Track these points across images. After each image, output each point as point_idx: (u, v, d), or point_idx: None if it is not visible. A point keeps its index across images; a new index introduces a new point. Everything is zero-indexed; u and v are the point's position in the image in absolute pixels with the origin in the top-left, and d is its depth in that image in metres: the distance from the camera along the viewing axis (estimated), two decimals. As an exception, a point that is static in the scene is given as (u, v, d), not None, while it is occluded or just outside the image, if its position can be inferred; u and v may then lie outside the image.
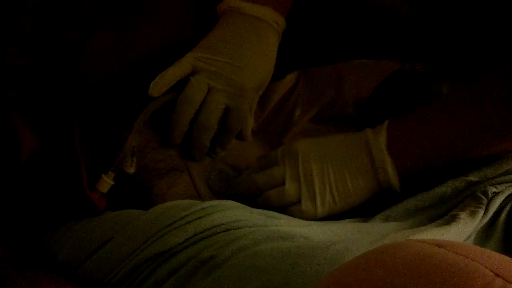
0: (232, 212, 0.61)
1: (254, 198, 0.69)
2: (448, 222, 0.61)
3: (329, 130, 0.77)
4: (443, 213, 0.64)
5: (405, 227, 0.62)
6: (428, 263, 0.35)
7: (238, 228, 0.58)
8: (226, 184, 0.73)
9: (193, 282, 0.55)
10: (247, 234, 0.57)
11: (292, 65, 0.82)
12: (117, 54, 0.73)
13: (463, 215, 0.61)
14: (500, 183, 0.66)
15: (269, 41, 0.72)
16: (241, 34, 0.71)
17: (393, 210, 0.66)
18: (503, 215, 0.65)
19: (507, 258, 0.37)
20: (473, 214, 0.62)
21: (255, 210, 0.63)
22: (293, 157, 0.68)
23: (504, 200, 0.65)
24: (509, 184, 0.66)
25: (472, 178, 0.66)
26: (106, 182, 0.67)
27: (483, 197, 0.64)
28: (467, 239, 0.62)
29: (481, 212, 0.62)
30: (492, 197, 0.64)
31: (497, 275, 0.34)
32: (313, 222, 0.64)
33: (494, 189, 0.65)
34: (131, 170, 0.68)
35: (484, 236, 0.65)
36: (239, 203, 0.64)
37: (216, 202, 0.62)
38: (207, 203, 0.61)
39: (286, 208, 0.67)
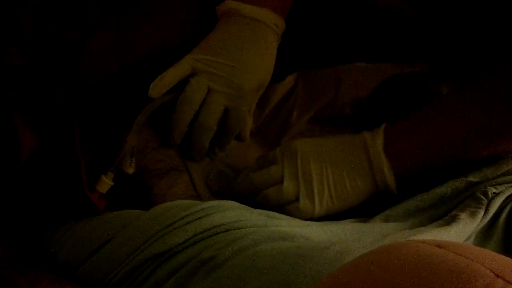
0: (232, 212, 0.61)
1: (253, 198, 0.69)
2: (448, 223, 0.61)
3: (326, 131, 0.78)
4: (443, 214, 0.64)
5: (405, 228, 0.62)
6: (428, 263, 0.35)
7: (238, 229, 0.58)
8: (225, 184, 0.73)
9: (193, 282, 0.55)
10: (247, 234, 0.57)
11: (292, 66, 0.82)
12: (117, 54, 0.73)
13: (463, 215, 0.61)
14: (500, 184, 0.66)
15: (269, 42, 0.72)
16: (240, 36, 0.71)
17: (393, 211, 0.66)
18: (503, 216, 0.65)
19: (508, 258, 0.37)
20: (473, 214, 0.62)
21: (255, 210, 0.64)
22: (292, 156, 0.68)
23: (504, 201, 0.65)
24: (509, 184, 0.66)
25: (472, 178, 0.66)
26: (106, 183, 0.67)
27: (483, 198, 0.64)
28: (467, 239, 0.62)
29: (481, 212, 0.62)
30: (492, 198, 0.64)
31: (498, 276, 0.34)
32: (313, 222, 0.64)
33: (494, 190, 0.65)
34: (131, 171, 0.68)
35: (484, 236, 0.65)
36: (239, 204, 0.64)
37: (216, 202, 0.62)
38: (207, 204, 0.61)
39: (284, 206, 0.67)
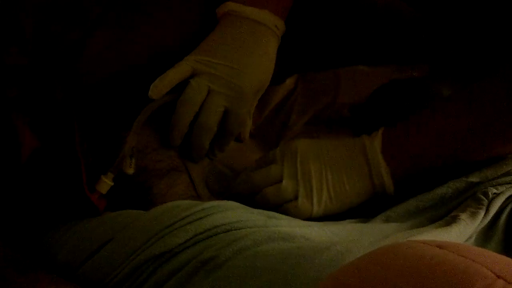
0: (232, 212, 0.61)
1: (252, 199, 0.69)
2: (448, 223, 0.61)
3: (324, 132, 0.78)
4: (443, 214, 0.64)
5: (405, 228, 0.63)
6: (429, 264, 0.35)
7: (239, 229, 0.58)
8: (224, 185, 0.73)
9: (193, 282, 0.55)
10: (247, 234, 0.57)
11: (292, 68, 0.82)
12: (117, 54, 0.73)
13: (463, 216, 0.61)
14: (500, 184, 0.66)
15: (269, 44, 0.72)
16: (240, 38, 0.71)
17: (394, 211, 0.66)
18: (504, 216, 0.65)
19: (508, 259, 0.37)
20: (473, 215, 0.62)
21: (255, 210, 0.64)
22: (291, 155, 0.68)
23: (504, 201, 0.65)
24: (509, 185, 0.66)
25: (472, 179, 0.67)
26: (105, 183, 0.67)
27: (484, 198, 0.64)
28: (467, 240, 0.62)
29: (482, 213, 0.62)
30: (493, 198, 0.64)
31: (498, 277, 0.34)
32: (313, 222, 0.64)
33: (494, 190, 0.65)
34: (130, 171, 0.68)
35: (484, 237, 0.65)
36: (239, 204, 0.64)
37: (216, 202, 0.62)
38: (208, 204, 0.61)
39: (282, 205, 0.67)
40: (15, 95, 0.71)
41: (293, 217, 0.66)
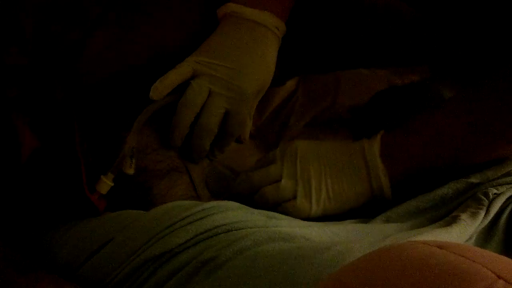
0: (233, 213, 0.61)
1: (252, 199, 0.69)
2: (449, 223, 0.61)
3: (323, 134, 0.78)
4: (444, 215, 0.64)
5: (406, 228, 0.63)
6: (429, 264, 0.35)
7: (239, 229, 0.58)
8: (224, 185, 0.73)
9: (194, 283, 0.55)
10: (248, 235, 0.57)
11: (292, 69, 0.82)
12: (117, 54, 0.73)
13: (464, 216, 0.61)
14: (501, 185, 0.66)
15: (269, 46, 0.72)
16: (241, 39, 0.71)
17: (394, 212, 0.66)
18: (504, 217, 0.65)
19: (509, 259, 0.37)
20: (474, 215, 0.62)
21: (255, 211, 0.64)
22: (291, 155, 0.68)
23: (505, 202, 0.65)
24: (510, 185, 0.66)
25: (473, 180, 0.67)
26: (105, 183, 0.67)
27: (484, 198, 0.64)
28: (468, 240, 0.62)
29: (482, 213, 0.62)
30: (493, 199, 0.64)
31: (499, 277, 0.34)
32: (314, 223, 0.64)
33: (495, 191, 0.65)
34: (130, 171, 0.68)
35: (485, 237, 0.65)
36: (240, 204, 0.64)
37: (217, 203, 0.62)
38: (208, 204, 0.61)
39: (281, 204, 0.67)
40: (15, 95, 0.71)
41: (292, 216, 0.66)
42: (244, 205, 0.64)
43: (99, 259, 0.60)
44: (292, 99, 0.80)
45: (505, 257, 0.37)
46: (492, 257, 0.36)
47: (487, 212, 0.63)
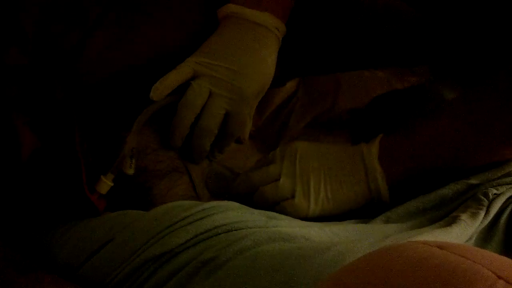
0: (233, 213, 0.61)
1: (251, 199, 0.69)
2: (449, 224, 0.61)
3: (323, 135, 0.78)
4: (444, 215, 0.64)
5: (406, 229, 0.63)
6: (430, 265, 0.35)
7: (239, 229, 0.58)
8: (224, 186, 0.73)
9: (194, 283, 0.55)
10: (248, 235, 0.57)
11: (292, 70, 0.82)
12: (117, 54, 0.73)
13: (464, 216, 0.61)
14: (501, 185, 0.66)
15: (269, 47, 0.72)
16: (241, 40, 0.71)
17: (394, 212, 0.66)
18: (504, 217, 0.65)
19: (509, 260, 0.37)
20: (474, 215, 0.62)
21: (256, 211, 0.64)
22: (291, 155, 0.69)
23: (505, 202, 0.65)
24: (510, 185, 0.66)
25: (473, 181, 0.67)
26: (105, 184, 0.67)
27: (484, 199, 0.64)
28: (468, 240, 0.62)
29: (482, 213, 0.62)
30: (493, 199, 0.64)
31: (499, 277, 0.34)
32: (314, 223, 0.64)
33: (495, 191, 0.65)
34: (130, 172, 0.68)
35: (485, 237, 0.65)
36: (240, 204, 0.64)
37: (217, 203, 0.62)
38: (208, 204, 0.61)
39: (279, 203, 0.67)
40: (15, 95, 0.71)
41: (290, 215, 0.66)
42: (244, 205, 0.64)
43: (99, 259, 0.60)
44: (292, 100, 0.80)
45: (505, 257, 0.37)
46: (492, 258, 0.36)
47: (487, 212, 0.63)
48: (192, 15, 0.77)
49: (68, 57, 0.70)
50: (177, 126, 0.69)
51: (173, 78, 0.68)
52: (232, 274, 0.53)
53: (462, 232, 0.60)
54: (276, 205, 0.68)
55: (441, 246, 0.37)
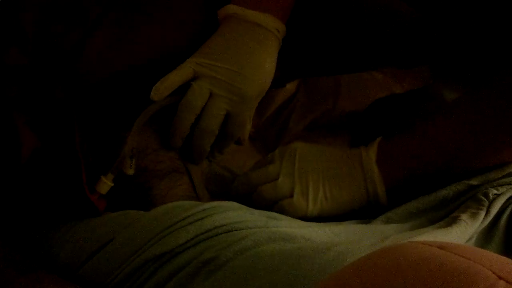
0: (233, 213, 0.61)
1: (250, 200, 0.69)
2: (449, 224, 0.61)
3: (322, 137, 0.78)
4: (444, 215, 0.64)
5: (406, 229, 0.63)
6: (430, 265, 0.35)
7: (240, 229, 0.58)
8: (223, 187, 0.73)
9: (194, 283, 0.55)
10: (248, 235, 0.57)
11: (293, 71, 0.82)
12: (117, 54, 0.72)
13: (464, 216, 0.62)
14: (501, 185, 0.66)
15: (270, 47, 0.72)
16: (242, 41, 0.71)
17: (394, 212, 0.66)
18: (504, 217, 0.65)
19: (509, 260, 0.37)
20: (474, 215, 0.62)
21: (256, 211, 0.64)
22: (290, 155, 0.69)
23: (505, 202, 0.65)
24: (510, 186, 0.66)
25: (474, 182, 0.67)
26: (105, 184, 0.67)
27: (484, 199, 0.64)
28: (468, 241, 0.62)
29: (482, 214, 0.62)
30: (494, 199, 0.64)
31: (500, 278, 0.34)
32: (314, 223, 0.64)
33: (495, 191, 0.65)
34: (131, 172, 0.68)
35: (485, 238, 0.65)
36: (240, 204, 0.64)
37: (217, 203, 0.62)
38: (209, 204, 0.61)
39: (278, 202, 0.68)
40: (15, 95, 0.71)
41: (288, 214, 0.66)
42: (244, 206, 0.64)
43: (99, 259, 0.60)
44: (292, 101, 0.80)
45: (505, 257, 0.37)
46: (492, 258, 0.36)
47: (487, 212, 0.63)
48: (193, 15, 0.77)
49: (68, 57, 0.70)
50: (178, 126, 0.69)
51: (174, 79, 0.68)
52: (232, 274, 0.53)
53: (463, 232, 0.60)
54: (274, 204, 0.68)
55: (441, 247, 0.37)
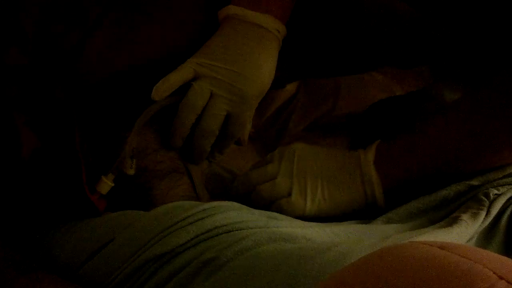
0: (233, 213, 0.61)
1: (249, 200, 0.69)
2: (450, 224, 0.61)
3: (321, 138, 0.78)
4: (444, 215, 0.64)
5: (406, 229, 0.63)
6: (431, 265, 0.35)
7: (240, 229, 0.58)
8: (223, 187, 0.73)
9: (195, 283, 0.55)
10: (249, 235, 0.57)
11: (293, 71, 0.82)
12: (117, 54, 0.73)
13: (465, 217, 0.62)
14: (502, 185, 0.66)
15: (270, 48, 0.72)
16: (242, 41, 0.71)
17: (395, 212, 0.66)
18: (505, 217, 0.65)
19: (510, 260, 0.37)
20: (475, 215, 0.62)
21: (256, 211, 0.64)
22: (289, 156, 0.69)
23: (505, 202, 0.65)
24: (510, 186, 0.66)
25: (475, 182, 0.67)
26: (106, 184, 0.67)
27: (485, 199, 0.64)
28: (469, 241, 0.62)
29: (483, 214, 0.62)
30: (494, 199, 0.64)
31: (501, 278, 0.34)
32: (314, 223, 0.64)
33: (496, 191, 0.65)
34: (131, 172, 0.68)
35: (486, 238, 0.65)
36: (240, 204, 0.64)
37: (217, 203, 0.62)
38: (209, 204, 0.61)
39: (276, 201, 0.68)
40: (15, 95, 0.71)
41: (287, 213, 0.66)
42: (244, 206, 0.64)
43: (99, 259, 0.60)
44: (292, 102, 0.80)
45: (506, 257, 0.37)
46: (493, 258, 0.36)
47: (488, 212, 0.63)
48: (193, 15, 0.77)
49: (68, 57, 0.70)
50: (178, 126, 0.69)
51: (174, 79, 0.68)
52: (232, 274, 0.53)
53: (463, 232, 0.60)
54: (272, 204, 0.68)
55: (442, 247, 0.37)
